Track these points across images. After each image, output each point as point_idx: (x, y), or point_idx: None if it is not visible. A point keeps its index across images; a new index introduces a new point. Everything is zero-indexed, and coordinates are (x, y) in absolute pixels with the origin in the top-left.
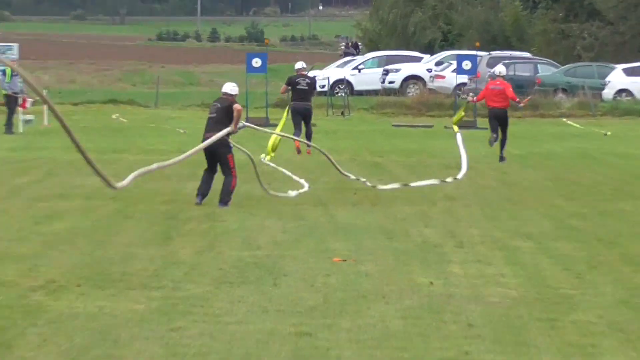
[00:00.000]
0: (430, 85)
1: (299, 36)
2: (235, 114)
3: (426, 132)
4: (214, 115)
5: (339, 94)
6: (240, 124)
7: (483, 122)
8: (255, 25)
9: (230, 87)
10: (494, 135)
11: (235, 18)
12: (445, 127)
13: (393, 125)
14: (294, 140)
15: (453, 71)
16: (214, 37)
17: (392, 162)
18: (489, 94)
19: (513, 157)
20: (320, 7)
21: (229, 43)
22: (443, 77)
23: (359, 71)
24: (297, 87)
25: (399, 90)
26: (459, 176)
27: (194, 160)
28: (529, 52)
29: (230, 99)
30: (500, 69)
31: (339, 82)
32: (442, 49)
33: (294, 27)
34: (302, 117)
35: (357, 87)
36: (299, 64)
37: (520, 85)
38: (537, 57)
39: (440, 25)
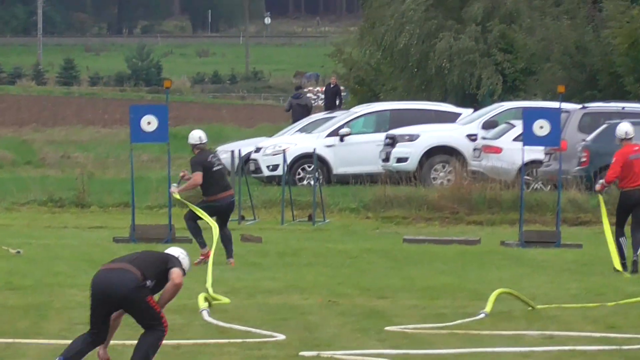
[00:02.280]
0: (474, 164)
1: (227, 74)
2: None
3: (467, 252)
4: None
5: (305, 182)
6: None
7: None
8: (144, 53)
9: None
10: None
11: (109, 40)
12: (503, 242)
13: (405, 241)
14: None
15: (516, 139)
16: (67, 75)
17: (403, 309)
18: (629, 168)
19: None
20: (268, 20)
21: (96, 87)
22: (498, 149)
23: (342, 139)
24: (213, 169)
25: (415, 174)
26: None
27: None
28: None
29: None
30: (626, 128)
31: (305, 159)
32: (496, 98)
33: (219, 57)
34: (225, 216)
35: (337, 169)
36: (195, 137)
37: None
38: None
39: (494, 55)
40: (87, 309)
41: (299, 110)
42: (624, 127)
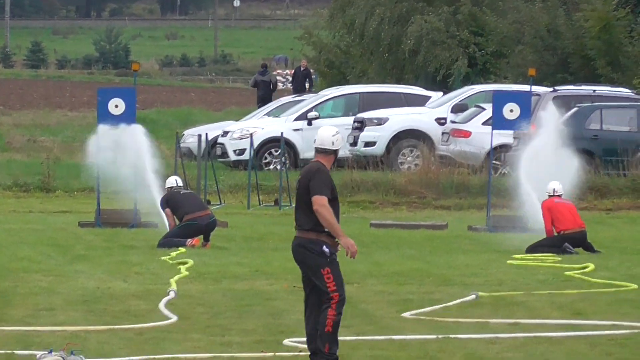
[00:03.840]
0: (442, 149)
1: (195, 57)
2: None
3: (435, 237)
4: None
5: (272, 167)
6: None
7: None
8: (112, 36)
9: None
10: None
11: (77, 23)
12: (471, 227)
13: (372, 225)
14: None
15: (486, 122)
16: (35, 58)
17: (370, 294)
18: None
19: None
20: (237, 3)
21: (63, 70)
22: (467, 133)
23: (309, 123)
24: (179, 195)
25: (384, 158)
26: None
27: None
28: (628, 87)
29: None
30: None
31: (272, 143)
32: (466, 81)
33: (188, 40)
34: (204, 231)
35: (305, 154)
36: (173, 180)
37: (612, 151)
38: None
39: (464, 38)
40: (51, 295)
41: (263, 86)
42: (552, 185)
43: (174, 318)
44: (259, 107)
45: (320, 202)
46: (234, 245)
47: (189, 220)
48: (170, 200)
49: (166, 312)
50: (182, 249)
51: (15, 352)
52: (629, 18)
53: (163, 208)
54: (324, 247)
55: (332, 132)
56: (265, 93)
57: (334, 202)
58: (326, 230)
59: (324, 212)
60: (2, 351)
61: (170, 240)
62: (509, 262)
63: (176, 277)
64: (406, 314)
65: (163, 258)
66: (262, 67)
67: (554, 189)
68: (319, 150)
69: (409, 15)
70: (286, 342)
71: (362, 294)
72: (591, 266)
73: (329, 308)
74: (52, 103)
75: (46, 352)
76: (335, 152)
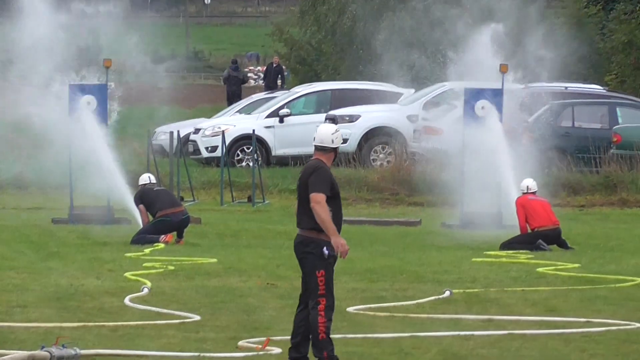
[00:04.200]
0: (413, 146)
1: (167, 54)
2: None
3: (408, 233)
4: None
5: (244, 164)
6: None
7: None
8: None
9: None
10: None
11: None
12: (444, 224)
13: (345, 222)
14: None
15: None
16: None
17: (343, 291)
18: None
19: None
20: (208, 0)
21: None
22: (439, 130)
23: (281, 120)
24: (152, 191)
25: (356, 155)
26: None
27: None
28: (598, 84)
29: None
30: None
31: (244, 140)
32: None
33: (159, 37)
34: (177, 228)
35: (277, 151)
36: (147, 177)
37: (585, 148)
38: (615, 94)
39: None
40: (24, 292)
41: (235, 82)
42: (526, 182)
43: (196, 317)
44: (229, 103)
45: (317, 199)
46: (207, 241)
47: (163, 217)
48: (144, 197)
49: (140, 307)
50: (160, 245)
51: None
52: (600, 15)
53: (137, 204)
54: (324, 248)
55: (332, 129)
56: (236, 89)
57: (335, 199)
58: None
59: (319, 210)
60: None
61: (144, 237)
62: (478, 259)
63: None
64: (351, 309)
65: (128, 255)
66: (232, 62)
67: (527, 186)
68: (319, 148)
69: (381, 12)
70: (241, 343)
71: (335, 291)
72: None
73: (318, 316)
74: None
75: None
76: (335, 149)
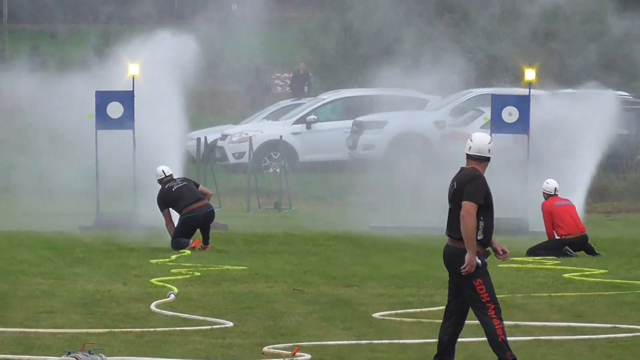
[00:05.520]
0: (441, 151)
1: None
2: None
3: (434, 239)
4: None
5: (271, 170)
6: None
7: None
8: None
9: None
10: None
11: (77, 26)
12: None
13: (372, 228)
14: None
15: (484, 126)
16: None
17: (369, 297)
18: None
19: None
20: (235, 6)
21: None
22: (466, 136)
23: (309, 126)
24: (173, 192)
25: (383, 161)
26: None
27: None
28: (625, 90)
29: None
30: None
31: (271, 146)
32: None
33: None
34: (202, 223)
35: (304, 157)
36: (160, 171)
37: (612, 154)
38: None
39: (465, 40)
40: (51, 298)
41: (258, 87)
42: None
43: (229, 323)
44: (253, 109)
45: (468, 209)
46: (234, 247)
47: (187, 214)
48: (166, 200)
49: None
50: (186, 251)
51: (18, 356)
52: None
53: (161, 209)
54: (477, 259)
55: (487, 139)
56: (259, 94)
57: (488, 208)
58: (478, 238)
59: (467, 221)
60: (2, 355)
61: (179, 241)
62: (505, 265)
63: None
64: (377, 315)
65: (153, 261)
66: (254, 68)
67: (555, 188)
68: (474, 157)
69: (409, 18)
70: (266, 349)
71: (362, 296)
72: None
73: (493, 319)
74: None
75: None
76: (489, 159)
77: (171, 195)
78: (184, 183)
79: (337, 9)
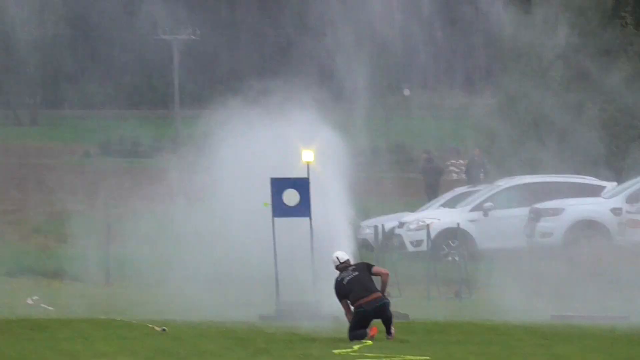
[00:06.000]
0: (619, 239)
1: (368, 147)
2: None
3: (617, 328)
4: None
5: (449, 258)
6: None
7: None
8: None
9: None
10: None
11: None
12: None
13: (553, 317)
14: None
15: None
16: None
17: None
18: None
19: None
20: (407, 92)
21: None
22: None
23: (485, 213)
24: (344, 285)
25: (561, 249)
26: None
27: None
28: None
29: None
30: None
31: (449, 234)
32: None
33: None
34: (374, 317)
35: (482, 245)
36: (335, 258)
37: None
38: None
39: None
40: None
41: (431, 173)
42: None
43: None
44: (428, 194)
45: None
46: (415, 337)
47: (357, 307)
48: (340, 292)
49: None
50: (368, 342)
51: None
52: None
53: (339, 300)
54: None
55: None
56: (433, 180)
57: None
58: None
59: None
60: None
61: (355, 333)
62: None
63: None
64: None
65: (336, 351)
66: (425, 152)
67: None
68: None
69: (582, 103)
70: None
71: None
72: None
73: None
74: None
75: None
76: None
77: (342, 288)
78: (355, 274)
79: (509, 96)
